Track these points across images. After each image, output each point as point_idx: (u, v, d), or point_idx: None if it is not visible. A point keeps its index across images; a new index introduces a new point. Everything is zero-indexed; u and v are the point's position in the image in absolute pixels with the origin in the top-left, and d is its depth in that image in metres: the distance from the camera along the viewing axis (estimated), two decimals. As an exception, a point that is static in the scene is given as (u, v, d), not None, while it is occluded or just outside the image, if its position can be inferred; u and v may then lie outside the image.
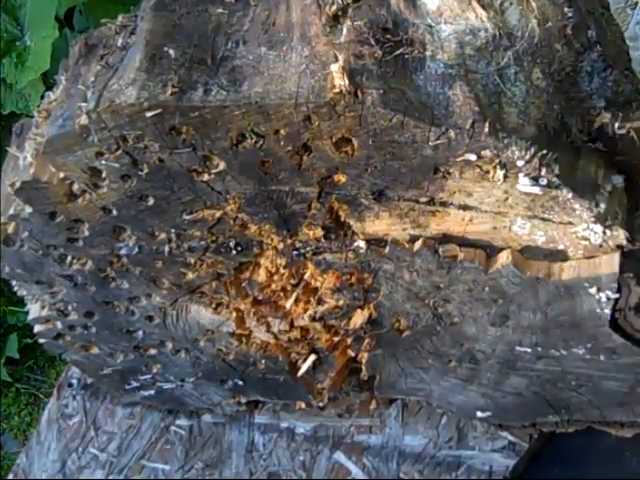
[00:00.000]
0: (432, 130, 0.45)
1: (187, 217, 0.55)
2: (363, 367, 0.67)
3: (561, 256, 0.51)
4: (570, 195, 0.47)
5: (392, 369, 0.66)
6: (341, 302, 0.60)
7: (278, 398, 0.76)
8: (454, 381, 0.65)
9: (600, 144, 0.51)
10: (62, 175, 0.52)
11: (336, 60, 0.45)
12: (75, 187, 0.53)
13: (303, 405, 0.77)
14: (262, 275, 0.60)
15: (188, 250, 0.58)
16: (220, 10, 0.52)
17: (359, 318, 0.60)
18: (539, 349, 0.57)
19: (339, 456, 0.76)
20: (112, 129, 0.48)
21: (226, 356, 0.69)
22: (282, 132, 0.47)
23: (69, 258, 0.60)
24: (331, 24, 0.49)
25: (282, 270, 0.59)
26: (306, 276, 0.59)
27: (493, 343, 0.58)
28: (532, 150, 0.45)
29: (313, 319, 0.63)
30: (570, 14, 0.52)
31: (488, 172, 0.47)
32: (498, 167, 0.46)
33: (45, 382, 1.38)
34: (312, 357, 0.67)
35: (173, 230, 0.56)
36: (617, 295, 0.50)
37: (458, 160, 0.46)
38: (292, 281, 0.60)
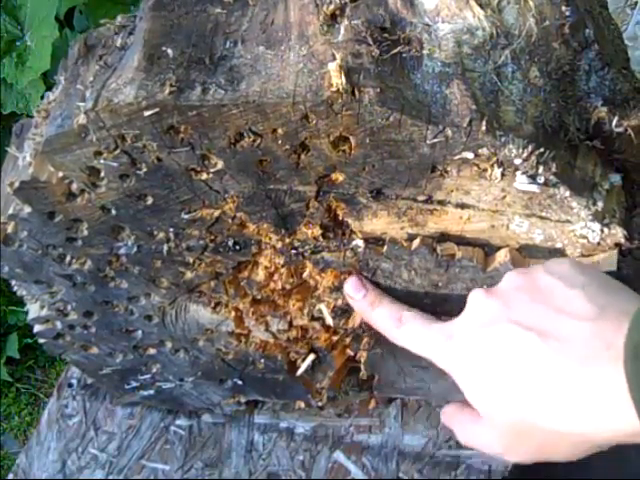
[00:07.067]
0: (429, 128, 0.45)
1: (186, 216, 0.55)
2: (362, 366, 0.67)
3: (559, 254, 0.51)
4: (568, 193, 0.47)
5: (391, 368, 0.66)
6: (340, 301, 0.60)
7: (277, 398, 0.76)
8: (453, 380, 0.65)
9: (598, 142, 0.51)
10: (61, 174, 0.52)
11: (334, 59, 0.45)
12: (74, 186, 0.53)
13: (302, 405, 0.77)
14: (261, 274, 0.60)
15: (187, 249, 0.58)
16: (218, 10, 0.52)
17: (358, 317, 0.60)
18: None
19: (338, 456, 0.76)
20: (110, 128, 0.48)
21: (225, 355, 0.69)
22: (280, 131, 0.47)
23: (68, 258, 0.60)
24: (329, 23, 0.49)
25: (281, 269, 0.59)
26: (304, 275, 0.59)
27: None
28: (529, 148, 0.45)
29: (312, 318, 0.63)
30: (568, 13, 0.52)
31: (485, 170, 0.47)
32: (495, 165, 0.46)
33: (45, 382, 1.39)
34: (311, 356, 0.67)
35: (172, 229, 0.56)
36: (615, 293, 0.50)
37: (455, 158, 0.46)
38: (291, 280, 0.60)
